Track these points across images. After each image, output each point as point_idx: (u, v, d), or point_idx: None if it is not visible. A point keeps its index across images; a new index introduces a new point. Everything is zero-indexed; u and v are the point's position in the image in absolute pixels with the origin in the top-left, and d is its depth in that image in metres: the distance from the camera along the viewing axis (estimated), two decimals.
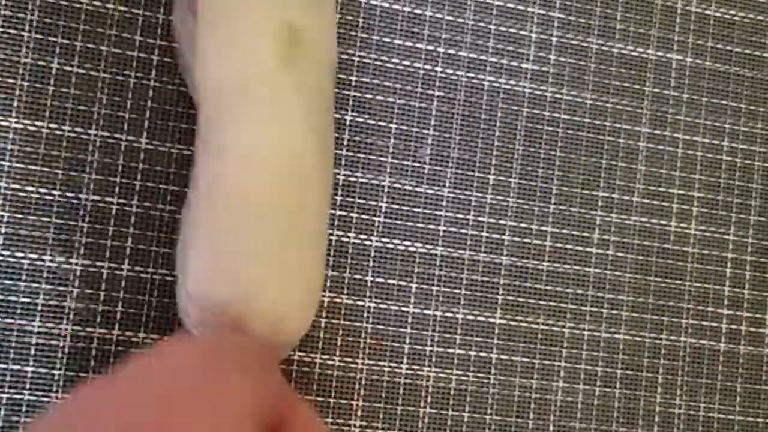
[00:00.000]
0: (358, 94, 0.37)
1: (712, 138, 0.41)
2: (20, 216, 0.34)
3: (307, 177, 0.30)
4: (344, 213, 0.37)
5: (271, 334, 0.29)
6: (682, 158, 0.40)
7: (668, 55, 0.40)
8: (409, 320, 0.37)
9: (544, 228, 0.38)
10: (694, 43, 0.41)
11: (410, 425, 0.36)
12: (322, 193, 0.31)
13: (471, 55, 0.38)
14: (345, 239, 0.36)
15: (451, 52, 0.38)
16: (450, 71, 0.38)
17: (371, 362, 0.36)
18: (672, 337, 0.39)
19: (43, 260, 0.34)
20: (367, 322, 0.36)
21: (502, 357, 0.38)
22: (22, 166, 0.34)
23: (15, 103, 0.34)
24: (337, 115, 0.37)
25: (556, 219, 0.39)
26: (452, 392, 0.37)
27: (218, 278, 0.28)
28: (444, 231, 0.38)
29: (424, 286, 0.37)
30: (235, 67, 0.29)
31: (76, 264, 0.34)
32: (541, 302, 0.38)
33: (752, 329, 0.40)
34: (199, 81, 0.30)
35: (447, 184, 0.38)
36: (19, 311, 0.34)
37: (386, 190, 0.37)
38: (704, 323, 0.40)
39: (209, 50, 0.29)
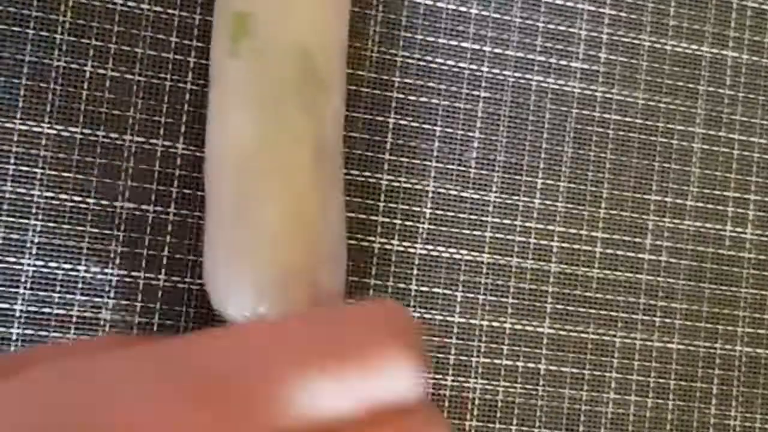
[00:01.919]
0: (401, 96, 0.36)
1: None
2: (53, 225, 0.33)
3: None
4: (387, 219, 0.35)
5: None
6: (737, 160, 0.38)
7: (723, 52, 0.39)
8: (455, 330, 0.35)
9: (594, 234, 0.37)
10: (751, 39, 0.39)
11: None
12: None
13: (518, 54, 0.37)
14: (388, 247, 0.35)
15: (497, 51, 0.37)
16: (496, 71, 0.37)
17: None
18: (727, 346, 0.38)
19: (77, 270, 0.33)
20: None
21: (551, 368, 0.36)
22: (55, 173, 0.33)
23: (47, 108, 0.33)
24: (380, 118, 0.36)
25: (607, 224, 0.37)
26: (499, 404, 0.36)
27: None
28: (490, 237, 0.36)
29: (470, 295, 0.36)
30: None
31: (112, 274, 0.33)
32: (591, 311, 0.37)
33: None
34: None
35: (493, 189, 0.36)
36: (53, 323, 0.32)
37: (430, 195, 0.36)
38: (761, 331, 0.38)
39: None
